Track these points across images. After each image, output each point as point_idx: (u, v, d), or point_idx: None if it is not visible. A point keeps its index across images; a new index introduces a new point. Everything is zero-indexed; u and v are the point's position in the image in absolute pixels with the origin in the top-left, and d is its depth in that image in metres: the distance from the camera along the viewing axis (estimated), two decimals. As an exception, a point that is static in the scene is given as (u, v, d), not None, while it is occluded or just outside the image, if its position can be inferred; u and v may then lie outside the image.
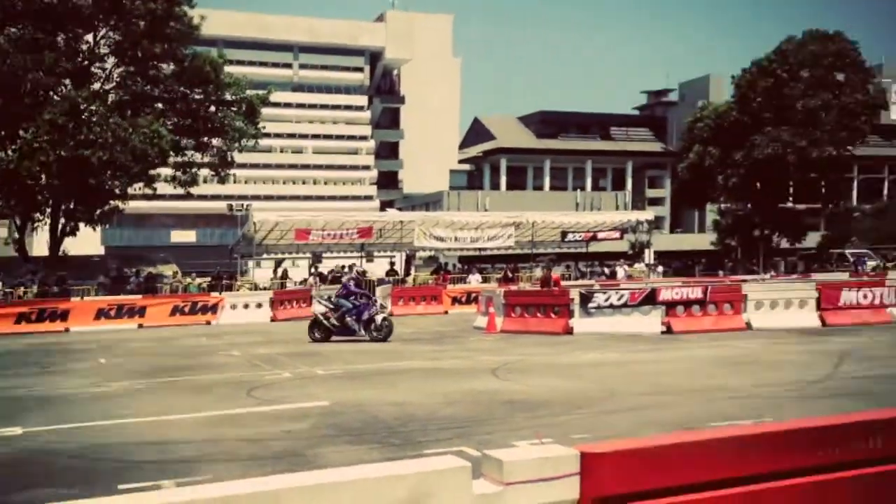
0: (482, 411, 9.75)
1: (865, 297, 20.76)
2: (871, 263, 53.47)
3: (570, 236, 44.26)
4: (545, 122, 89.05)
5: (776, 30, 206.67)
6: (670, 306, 19.96)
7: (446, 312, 30.71)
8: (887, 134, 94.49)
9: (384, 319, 19.35)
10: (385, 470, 2.50)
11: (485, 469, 2.61)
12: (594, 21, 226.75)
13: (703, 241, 68.62)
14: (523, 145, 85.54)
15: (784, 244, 58.97)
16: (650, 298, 20.12)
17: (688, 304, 20.06)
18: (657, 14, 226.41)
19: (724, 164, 53.87)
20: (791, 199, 59.10)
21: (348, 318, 18.92)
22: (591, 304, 20.34)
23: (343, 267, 39.57)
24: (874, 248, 62.63)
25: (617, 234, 45.16)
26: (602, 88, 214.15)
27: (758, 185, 54.33)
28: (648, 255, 47.84)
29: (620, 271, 46.87)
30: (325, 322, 19.16)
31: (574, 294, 20.87)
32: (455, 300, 32.20)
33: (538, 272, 42.93)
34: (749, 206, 56.96)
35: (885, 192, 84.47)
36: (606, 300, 20.42)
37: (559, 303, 20.91)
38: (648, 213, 48.06)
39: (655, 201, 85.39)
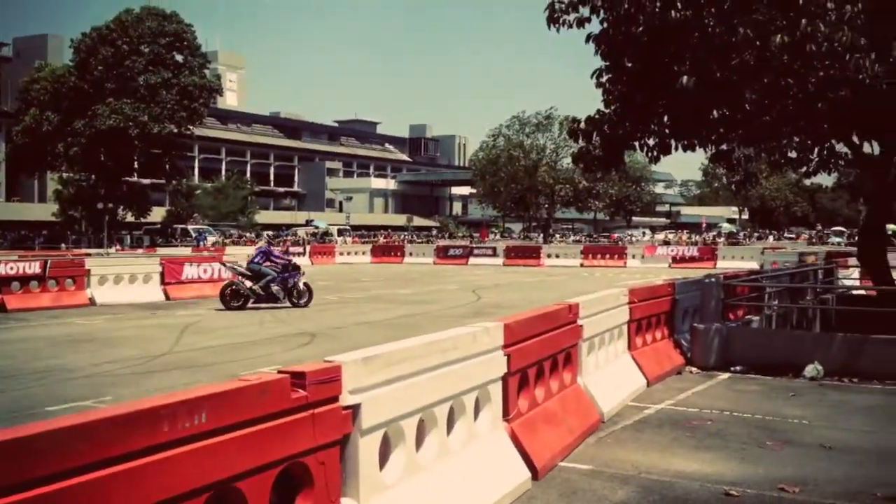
0: None
1: (206, 271, 22.17)
2: (211, 239, 57.47)
3: None
4: None
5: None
6: (4, 282, 18.26)
7: None
8: (224, 118, 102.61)
9: (305, 284, 18.62)
10: None
11: None
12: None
13: (44, 211, 64.50)
14: None
15: (130, 218, 59.18)
16: (-21, 274, 18.08)
17: (25, 279, 18.61)
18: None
19: (64, 131, 51.41)
20: (136, 173, 59.50)
21: (274, 287, 18.01)
22: None
23: None
24: (214, 225, 67.43)
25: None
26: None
27: (102, 156, 53.27)
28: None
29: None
30: (244, 289, 17.95)
31: None
32: None
33: None
34: (93, 177, 55.52)
35: (223, 171, 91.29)
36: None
37: None
38: (-21, 179, 43.13)
39: (-13, 165, 77.04)
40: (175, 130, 53.72)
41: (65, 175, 57.41)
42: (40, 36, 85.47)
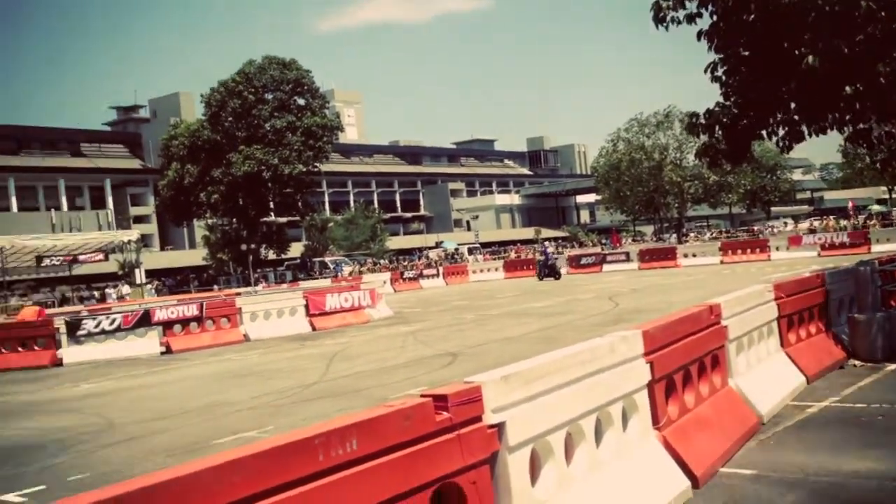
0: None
1: (346, 300, 22.85)
2: (347, 269, 59.26)
3: (46, 261, 40.42)
4: (2, 137, 79.67)
5: (230, 48, 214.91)
6: (167, 326, 19.52)
7: None
8: (346, 152, 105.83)
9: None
10: None
11: None
12: (50, 32, 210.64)
13: (195, 256, 68.46)
14: (-24, 162, 75.33)
15: (272, 255, 61.90)
16: (145, 320, 19.41)
17: (185, 321, 19.82)
18: (122, 27, 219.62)
19: (204, 181, 54.49)
20: (273, 212, 62.19)
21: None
22: (80, 332, 18.88)
23: None
24: (349, 255, 69.48)
25: (101, 256, 42.64)
26: (65, 103, 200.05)
27: (240, 200, 56.11)
28: (140, 275, 46.06)
29: (112, 293, 44.39)
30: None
31: (59, 322, 19.14)
32: None
33: (14, 302, 38.43)
34: (235, 220, 58.49)
35: (352, 203, 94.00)
36: (97, 326, 19.13)
37: (42, 333, 19.10)
38: (133, 233, 46.28)
39: (141, 219, 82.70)
40: (304, 169, 55.94)
41: (209, 221, 60.76)
42: (172, 95, 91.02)
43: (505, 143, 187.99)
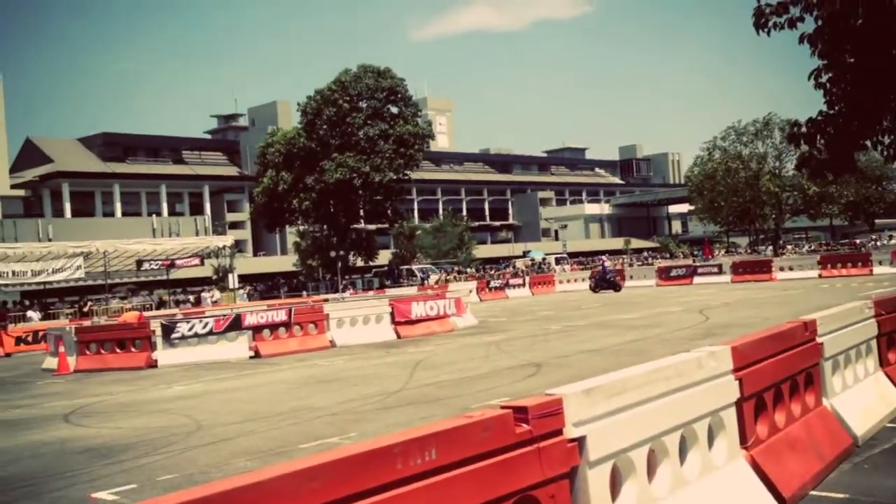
0: (54, 464, 8.77)
1: (432, 308, 22.99)
2: (434, 277, 59.63)
3: (146, 265, 42.14)
4: (110, 145, 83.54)
5: (326, 58, 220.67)
6: (257, 330, 20.02)
7: (8, 355, 27.42)
8: (437, 160, 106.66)
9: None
10: None
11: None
12: (156, 43, 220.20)
13: (286, 262, 70.06)
14: (87, 169, 79.13)
15: (360, 262, 62.81)
16: (236, 324, 19.97)
17: (273, 326, 20.29)
18: (224, 37, 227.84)
19: (297, 188, 55.71)
20: (362, 220, 63.11)
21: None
22: (174, 335, 19.58)
23: None
24: (436, 263, 69.92)
25: (196, 261, 44.13)
26: (168, 111, 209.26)
27: (331, 207, 57.13)
28: (233, 280, 47.48)
29: (206, 297, 45.91)
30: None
31: (155, 325, 19.91)
32: (21, 340, 28.97)
33: (115, 304, 40.25)
34: (325, 227, 59.57)
35: (440, 211, 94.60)
36: (191, 329, 19.80)
37: (139, 335, 19.82)
38: (228, 238, 47.77)
39: (236, 225, 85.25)
40: (394, 177, 56.57)
41: (301, 228, 62.06)
42: (270, 104, 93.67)
43: (596, 151, 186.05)
